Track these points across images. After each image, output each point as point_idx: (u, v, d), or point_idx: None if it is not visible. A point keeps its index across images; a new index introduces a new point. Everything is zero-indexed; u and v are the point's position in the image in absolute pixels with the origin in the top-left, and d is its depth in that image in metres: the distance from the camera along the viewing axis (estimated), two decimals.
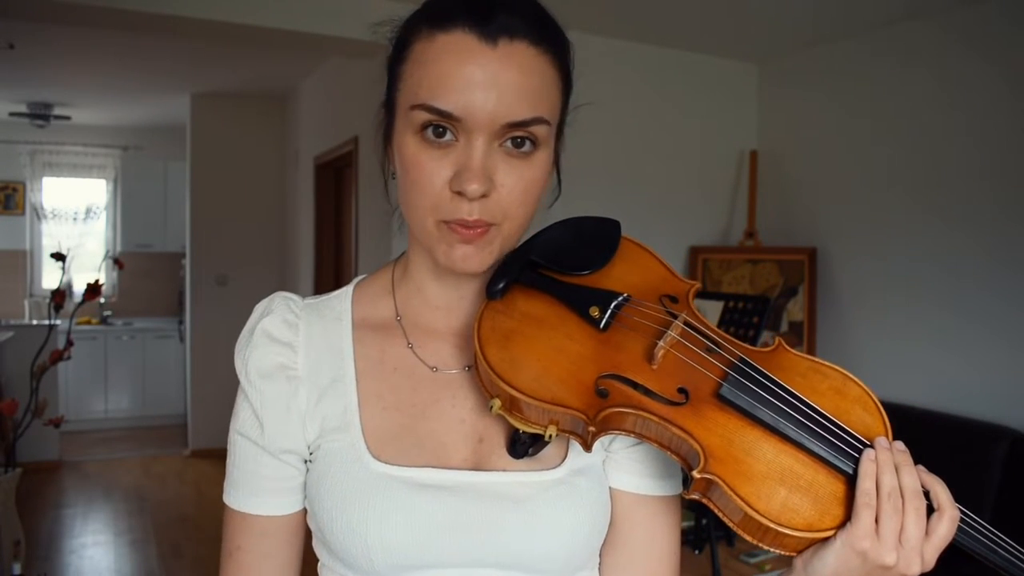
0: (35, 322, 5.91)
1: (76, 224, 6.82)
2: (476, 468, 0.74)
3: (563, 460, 0.76)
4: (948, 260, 3.32)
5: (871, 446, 0.65)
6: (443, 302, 0.80)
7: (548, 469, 0.75)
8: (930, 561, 0.62)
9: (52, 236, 6.65)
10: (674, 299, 0.76)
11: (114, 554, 3.94)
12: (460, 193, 0.67)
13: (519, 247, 0.77)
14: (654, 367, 0.69)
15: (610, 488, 0.79)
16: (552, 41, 0.70)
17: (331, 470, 0.73)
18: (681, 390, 0.68)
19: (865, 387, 0.69)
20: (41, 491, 4.83)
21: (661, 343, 0.69)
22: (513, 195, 0.69)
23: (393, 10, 0.76)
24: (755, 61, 4.21)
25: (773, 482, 0.64)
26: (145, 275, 6.96)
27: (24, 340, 4.63)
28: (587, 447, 0.67)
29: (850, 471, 0.64)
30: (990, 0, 3.15)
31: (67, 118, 6.09)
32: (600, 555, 0.79)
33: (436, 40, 0.67)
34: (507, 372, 0.68)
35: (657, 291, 0.77)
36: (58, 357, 2.79)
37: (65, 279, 2.93)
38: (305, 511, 0.78)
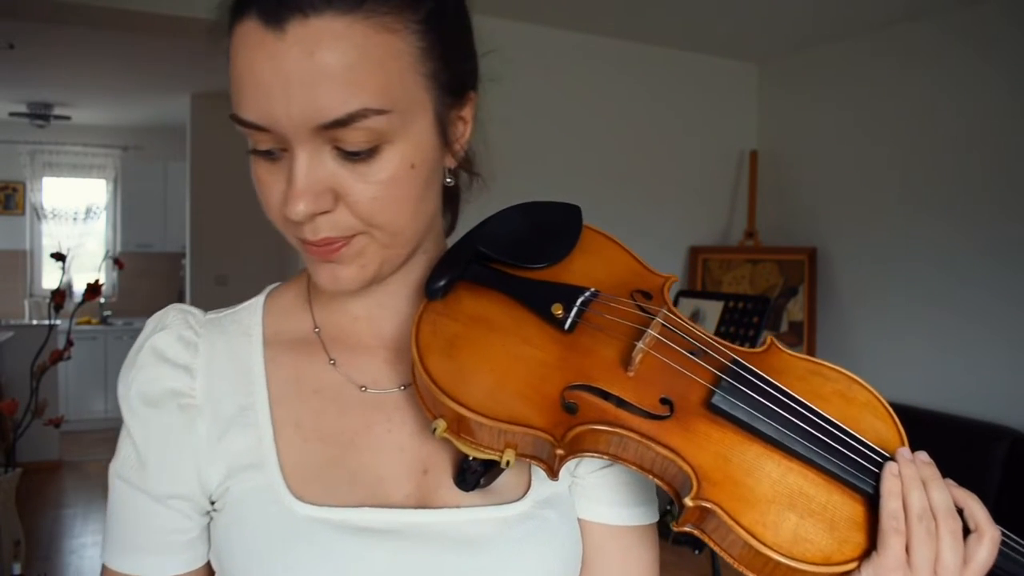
0: (35, 322, 5.91)
1: (76, 224, 6.82)
2: (421, 505, 0.62)
3: (527, 490, 0.64)
4: (948, 260, 3.32)
5: (892, 459, 0.56)
6: (362, 311, 0.67)
7: (509, 503, 0.63)
8: None
9: (52, 236, 6.65)
10: (648, 295, 0.66)
11: None
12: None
13: (464, 237, 0.66)
14: (630, 374, 0.59)
15: (578, 519, 0.67)
16: None
17: (244, 516, 0.60)
18: (664, 401, 0.58)
19: (873, 390, 0.61)
20: (41, 491, 4.82)
21: (640, 344, 0.59)
22: (365, 203, 0.55)
23: None
24: (755, 61, 4.21)
25: (781, 507, 0.54)
26: (145, 275, 6.95)
27: (24, 340, 4.63)
28: (553, 474, 0.56)
29: (870, 490, 0.55)
30: (990, 0, 3.15)
31: (67, 118, 6.09)
32: None
33: (233, 33, 0.55)
34: (453, 386, 0.56)
35: (627, 286, 0.66)
36: (58, 357, 2.79)
37: (65, 279, 2.92)
38: (203, 571, 0.65)
